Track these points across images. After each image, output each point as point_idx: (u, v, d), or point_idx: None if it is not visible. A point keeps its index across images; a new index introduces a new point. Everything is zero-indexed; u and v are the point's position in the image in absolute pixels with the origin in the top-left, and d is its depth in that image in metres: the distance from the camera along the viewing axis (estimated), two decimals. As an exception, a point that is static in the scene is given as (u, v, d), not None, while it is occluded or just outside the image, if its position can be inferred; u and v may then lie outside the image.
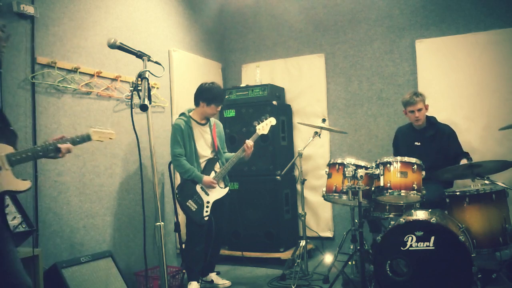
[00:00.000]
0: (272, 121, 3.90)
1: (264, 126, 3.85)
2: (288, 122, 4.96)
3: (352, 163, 3.29)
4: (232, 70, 5.47)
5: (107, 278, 3.21)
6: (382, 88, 4.70)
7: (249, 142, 3.73)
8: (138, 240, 3.83)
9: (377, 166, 3.30)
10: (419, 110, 3.77)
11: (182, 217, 3.84)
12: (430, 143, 3.79)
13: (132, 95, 2.13)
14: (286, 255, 4.36)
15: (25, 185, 2.04)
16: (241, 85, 4.91)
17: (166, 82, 4.37)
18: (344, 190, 3.26)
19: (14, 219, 2.61)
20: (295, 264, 3.85)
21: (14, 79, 2.94)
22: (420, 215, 3.04)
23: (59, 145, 2.16)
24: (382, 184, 3.23)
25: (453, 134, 3.83)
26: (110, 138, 2.45)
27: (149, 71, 2.10)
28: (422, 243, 2.87)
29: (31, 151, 2.07)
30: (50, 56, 3.19)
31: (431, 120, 3.88)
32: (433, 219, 2.87)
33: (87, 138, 2.31)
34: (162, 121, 4.30)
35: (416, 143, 3.83)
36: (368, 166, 3.34)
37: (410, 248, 2.89)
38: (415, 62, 4.53)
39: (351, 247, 3.56)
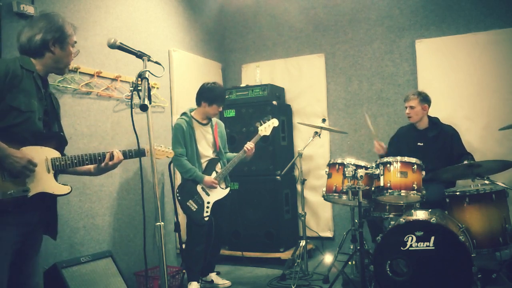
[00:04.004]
0: (274, 122, 3.89)
1: (266, 128, 3.84)
2: (288, 122, 4.96)
3: (352, 163, 3.29)
4: (232, 70, 5.47)
5: (107, 278, 3.21)
6: (382, 88, 4.70)
7: (249, 145, 3.73)
8: (138, 240, 3.83)
9: (377, 166, 3.31)
10: (411, 107, 3.78)
11: (182, 217, 3.84)
12: (433, 144, 3.78)
13: (132, 95, 2.12)
14: (286, 255, 4.36)
15: (64, 189, 2.05)
16: (241, 85, 4.91)
17: (166, 82, 4.37)
18: (344, 190, 3.26)
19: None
20: (295, 264, 3.85)
21: (14, 79, 2.94)
22: (420, 215, 3.04)
23: (113, 153, 2.18)
24: (382, 184, 3.23)
25: (456, 134, 3.83)
26: (168, 157, 2.49)
27: (149, 71, 2.09)
28: (422, 243, 2.87)
29: (77, 158, 2.09)
30: (50, 56, 3.18)
31: (433, 121, 3.88)
32: (433, 219, 2.87)
33: (142, 153, 2.30)
34: (162, 121, 4.30)
35: (419, 144, 3.83)
36: (368, 166, 3.34)
37: (410, 248, 2.89)
38: (415, 62, 4.53)
39: (351, 247, 3.56)
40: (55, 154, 2.03)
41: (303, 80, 5.03)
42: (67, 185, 2.06)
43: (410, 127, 3.98)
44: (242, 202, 4.61)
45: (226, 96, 4.64)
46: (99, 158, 2.17)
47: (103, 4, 3.68)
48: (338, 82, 4.90)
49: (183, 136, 3.62)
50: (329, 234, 4.85)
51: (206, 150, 3.73)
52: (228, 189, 3.79)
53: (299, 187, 4.71)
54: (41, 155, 1.98)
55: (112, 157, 2.18)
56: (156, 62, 2.21)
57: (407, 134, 3.97)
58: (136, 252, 3.81)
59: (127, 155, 2.27)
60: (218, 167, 3.75)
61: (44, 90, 2.04)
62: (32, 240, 2.03)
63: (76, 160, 2.09)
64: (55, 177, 2.04)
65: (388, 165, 3.27)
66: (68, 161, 2.06)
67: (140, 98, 2.02)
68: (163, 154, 2.46)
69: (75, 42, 2.12)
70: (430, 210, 3.13)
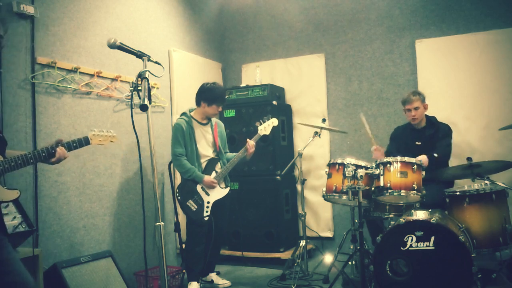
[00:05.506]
0: (274, 121, 3.90)
1: (266, 127, 3.85)
2: (288, 122, 4.96)
3: (352, 163, 3.29)
4: (232, 70, 5.47)
5: (107, 278, 3.21)
6: (382, 88, 4.70)
7: (251, 142, 3.74)
8: (138, 240, 3.83)
9: (377, 166, 3.30)
10: (416, 108, 3.76)
11: (182, 217, 3.84)
12: (430, 143, 3.78)
13: (132, 95, 2.12)
14: (286, 255, 4.36)
15: (12, 195, 1.96)
16: (241, 85, 4.91)
17: (166, 82, 4.37)
18: (344, 190, 3.26)
19: (14, 219, 2.61)
20: (295, 264, 3.85)
21: (14, 79, 2.94)
22: (420, 215, 3.04)
23: (54, 150, 2.10)
24: (382, 184, 3.22)
25: (449, 132, 3.78)
26: (112, 141, 2.37)
27: (149, 71, 2.10)
28: (422, 243, 2.87)
29: (21, 159, 1.98)
30: (50, 56, 3.19)
31: (431, 120, 3.87)
32: (433, 219, 2.87)
33: (85, 142, 2.23)
34: (162, 121, 4.30)
35: (417, 143, 3.83)
36: (368, 166, 3.34)
37: (410, 248, 2.89)
38: (415, 62, 4.53)
39: (351, 247, 3.56)
40: None
41: (303, 80, 5.03)
42: (15, 189, 1.97)
43: (407, 127, 3.96)
44: (242, 202, 4.61)
45: (226, 96, 4.64)
46: (44, 154, 2.07)
47: (103, 4, 3.68)
48: (338, 82, 4.90)
49: (182, 136, 3.62)
50: (329, 234, 4.85)
51: (206, 150, 3.73)
52: (228, 189, 3.79)
53: (299, 187, 4.71)
54: None
55: (54, 154, 2.10)
56: (156, 62, 2.22)
57: (404, 133, 3.96)
58: (136, 252, 3.81)
59: (71, 146, 2.19)
60: (218, 167, 3.75)
61: None
62: None
63: (20, 161, 1.98)
64: (1, 181, 1.95)
65: (388, 165, 3.27)
66: (12, 163, 1.94)
67: (140, 98, 2.02)
68: (107, 139, 2.34)
69: (1, 36, 1.94)
70: (430, 210, 3.13)
